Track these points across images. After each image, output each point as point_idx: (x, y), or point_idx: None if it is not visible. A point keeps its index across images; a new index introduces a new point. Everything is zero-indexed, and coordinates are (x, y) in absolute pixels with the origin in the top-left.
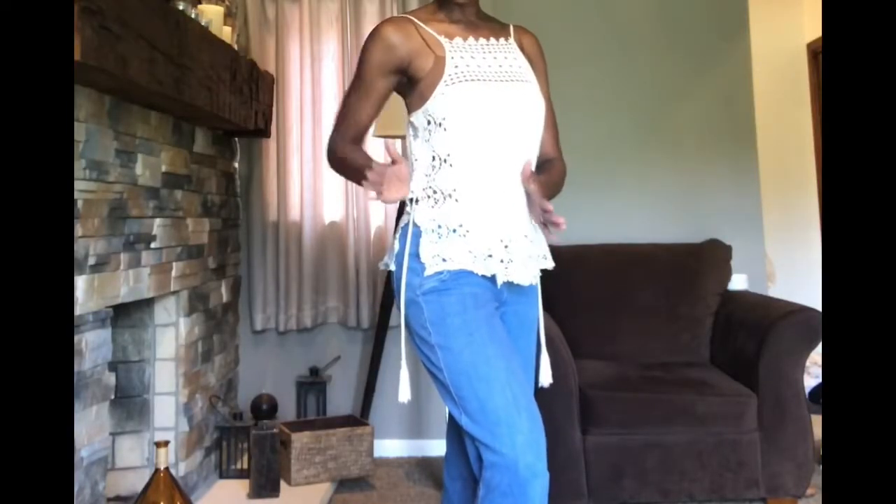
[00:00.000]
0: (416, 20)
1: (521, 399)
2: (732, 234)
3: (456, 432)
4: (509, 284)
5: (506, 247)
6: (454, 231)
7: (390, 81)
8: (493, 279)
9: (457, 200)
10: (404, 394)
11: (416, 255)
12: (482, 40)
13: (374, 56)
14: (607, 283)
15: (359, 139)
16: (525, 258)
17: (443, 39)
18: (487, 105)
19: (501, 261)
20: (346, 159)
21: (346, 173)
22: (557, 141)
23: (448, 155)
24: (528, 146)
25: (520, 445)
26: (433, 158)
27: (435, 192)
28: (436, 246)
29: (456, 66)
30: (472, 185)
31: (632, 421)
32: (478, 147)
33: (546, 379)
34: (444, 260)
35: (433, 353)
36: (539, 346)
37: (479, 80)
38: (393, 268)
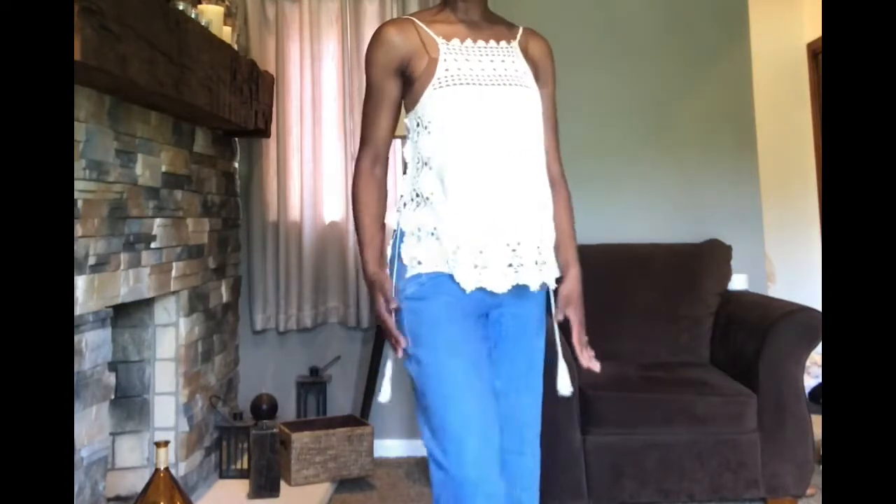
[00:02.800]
0: (417, 21)
1: (474, 418)
2: (732, 234)
3: None
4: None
5: (480, 252)
6: (431, 234)
7: (397, 83)
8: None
9: (433, 204)
10: (385, 394)
11: (400, 259)
12: (481, 42)
13: (377, 56)
14: (607, 283)
15: (379, 158)
16: (504, 266)
17: (440, 41)
18: (473, 109)
19: (475, 266)
20: (363, 219)
21: (356, 223)
22: (557, 150)
23: (429, 158)
24: (517, 151)
25: (467, 464)
26: (417, 161)
27: (417, 195)
28: (414, 248)
29: (447, 70)
30: (449, 189)
31: (632, 421)
32: (459, 151)
33: (565, 388)
34: (419, 262)
35: (409, 362)
36: (555, 353)
37: (468, 83)
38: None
